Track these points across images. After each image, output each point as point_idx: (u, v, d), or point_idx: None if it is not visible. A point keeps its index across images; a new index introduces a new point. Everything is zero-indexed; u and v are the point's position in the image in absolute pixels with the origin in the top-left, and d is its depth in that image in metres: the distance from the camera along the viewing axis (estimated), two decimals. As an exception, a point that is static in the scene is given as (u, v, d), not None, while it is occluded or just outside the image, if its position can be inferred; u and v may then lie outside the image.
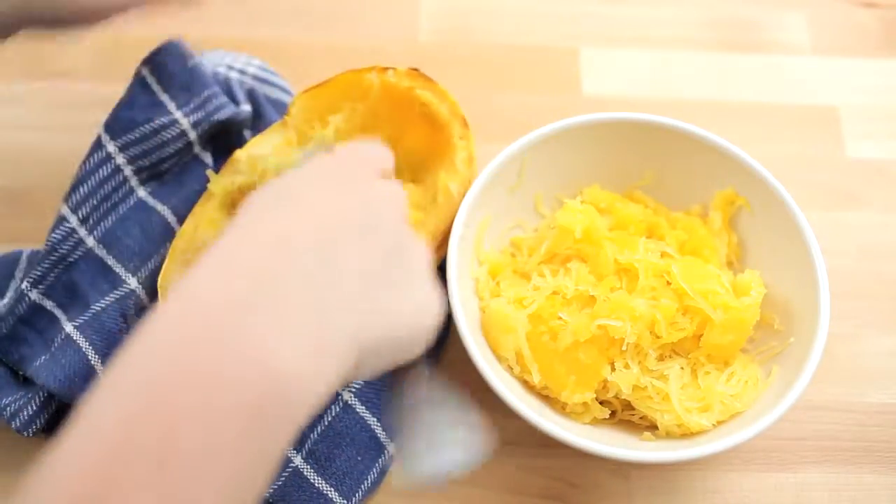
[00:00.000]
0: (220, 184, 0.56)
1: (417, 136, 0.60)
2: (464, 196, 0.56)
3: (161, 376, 0.28)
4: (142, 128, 0.58)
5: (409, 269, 0.38)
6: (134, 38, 0.76)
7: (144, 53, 0.69)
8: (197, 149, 0.61)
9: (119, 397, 0.27)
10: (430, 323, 0.39)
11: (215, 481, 0.27)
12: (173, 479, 0.26)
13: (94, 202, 0.55)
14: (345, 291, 0.33)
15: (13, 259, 0.60)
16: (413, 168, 0.61)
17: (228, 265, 0.32)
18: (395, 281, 0.37)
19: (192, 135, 0.59)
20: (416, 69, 0.59)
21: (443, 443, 0.35)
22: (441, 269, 0.55)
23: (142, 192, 0.58)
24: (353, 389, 0.56)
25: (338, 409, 0.56)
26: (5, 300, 0.57)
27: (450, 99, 0.59)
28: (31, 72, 0.73)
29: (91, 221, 0.56)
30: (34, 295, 0.55)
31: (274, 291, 0.31)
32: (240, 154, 0.57)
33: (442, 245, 0.56)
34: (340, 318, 0.33)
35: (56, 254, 0.55)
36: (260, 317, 0.30)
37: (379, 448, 0.56)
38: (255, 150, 0.57)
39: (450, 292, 0.52)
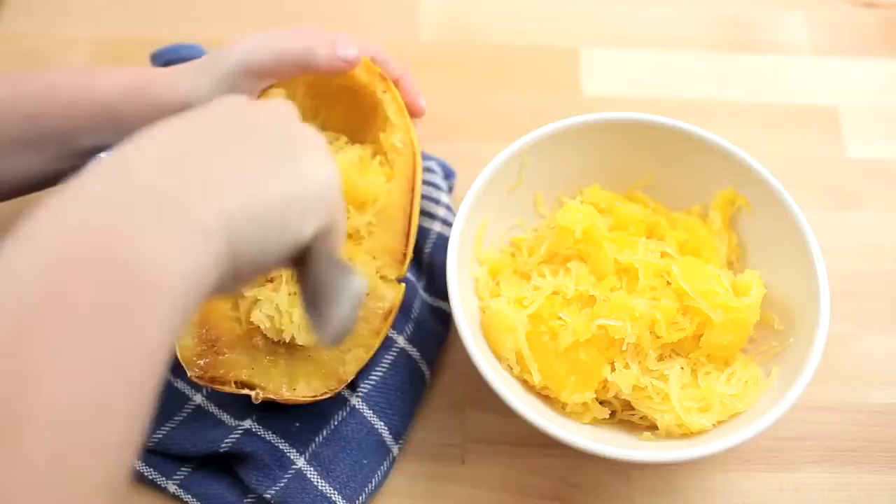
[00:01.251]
0: None
1: (342, 109, 0.61)
2: (412, 144, 0.57)
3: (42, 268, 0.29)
4: None
5: (293, 152, 0.38)
6: (131, 38, 0.76)
7: (142, 53, 0.69)
8: None
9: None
10: (312, 188, 0.38)
11: (75, 354, 0.27)
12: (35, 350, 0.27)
13: None
14: (199, 182, 0.33)
15: None
16: (350, 132, 0.61)
17: (77, 198, 0.31)
18: (273, 162, 0.37)
19: None
20: None
21: (345, 295, 0.37)
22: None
23: None
24: (361, 394, 0.56)
25: (344, 414, 0.56)
26: None
27: (364, 60, 0.59)
28: (29, 71, 0.74)
29: None
30: None
31: (116, 198, 0.31)
32: None
33: (413, 191, 0.56)
34: (195, 202, 0.33)
35: None
36: (104, 218, 0.30)
37: (384, 451, 0.56)
38: None
39: (450, 292, 0.53)
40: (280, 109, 0.42)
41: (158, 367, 0.30)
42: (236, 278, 0.36)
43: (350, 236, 0.56)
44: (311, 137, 0.41)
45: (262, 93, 0.57)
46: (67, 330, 0.27)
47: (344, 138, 0.61)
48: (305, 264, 0.39)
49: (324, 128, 0.62)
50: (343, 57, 0.56)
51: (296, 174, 0.38)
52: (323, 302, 0.37)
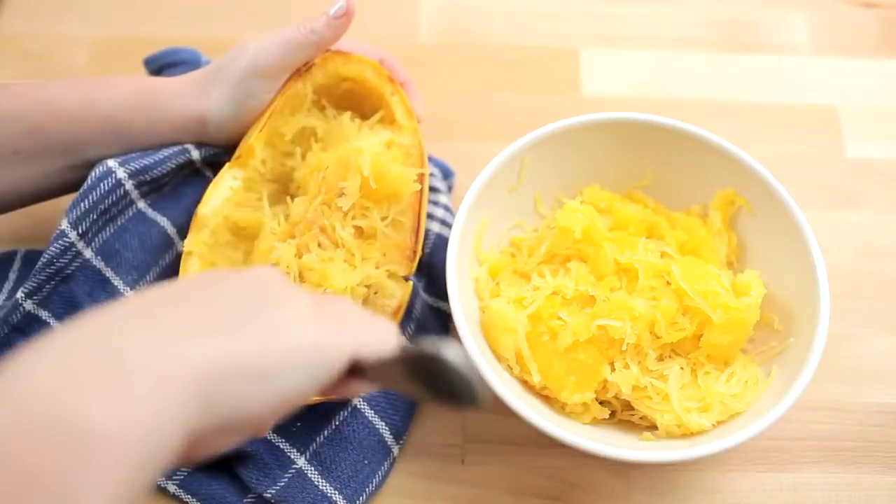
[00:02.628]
0: (193, 243, 0.55)
1: (348, 111, 0.60)
2: (419, 145, 0.57)
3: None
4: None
5: (271, 312, 0.36)
6: (131, 38, 0.76)
7: (142, 53, 0.69)
8: (199, 164, 0.59)
9: None
10: (296, 343, 0.35)
11: None
12: None
13: (94, 216, 0.54)
14: (166, 330, 0.32)
15: (7, 259, 0.60)
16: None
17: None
18: (253, 312, 0.35)
19: (196, 154, 0.58)
20: (328, 51, 0.59)
21: (463, 376, 0.33)
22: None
23: (141, 204, 0.57)
24: (363, 394, 0.56)
25: (346, 414, 0.56)
26: None
27: (372, 63, 0.59)
28: (29, 72, 0.74)
29: (90, 235, 0.55)
30: (29, 305, 0.54)
31: (73, 357, 0.30)
32: (202, 210, 0.55)
33: (422, 190, 0.56)
34: (157, 352, 0.31)
35: (53, 267, 0.54)
36: (56, 382, 0.29)
37: (385, 451, 0.56)
38: (207, 208, 0.56)
39: (450, 292, 0.53)
40: (261, 274, 0.39)
41: None
42: (220, 433, 0.33)
43: (368, 236, 0.55)
44: (291, 298, 0.38)
45: (279, 93, 0.57)
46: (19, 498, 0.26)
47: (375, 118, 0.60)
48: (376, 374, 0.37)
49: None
50: (336, 14, 0.56)
51: (279, 333, 0.35)
52: (454, 391, 0.34)
